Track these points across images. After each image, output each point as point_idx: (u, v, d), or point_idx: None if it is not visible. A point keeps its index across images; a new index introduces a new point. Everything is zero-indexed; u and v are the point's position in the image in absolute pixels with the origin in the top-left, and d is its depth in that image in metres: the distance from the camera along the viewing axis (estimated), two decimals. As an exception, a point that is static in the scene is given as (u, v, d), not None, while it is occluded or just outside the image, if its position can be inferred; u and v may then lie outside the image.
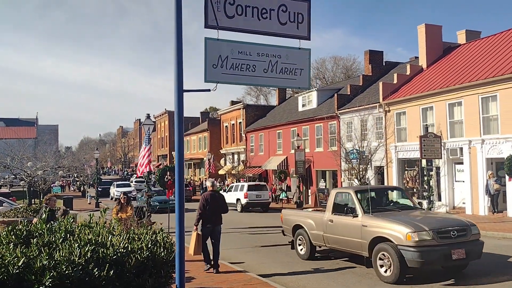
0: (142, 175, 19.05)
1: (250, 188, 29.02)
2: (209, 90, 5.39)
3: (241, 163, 44.89)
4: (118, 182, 50.39)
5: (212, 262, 10.36)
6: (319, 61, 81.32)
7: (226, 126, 51.14)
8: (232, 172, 43.85)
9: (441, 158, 20.54)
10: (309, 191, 34.68)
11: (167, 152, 74.07)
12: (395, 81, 28.57)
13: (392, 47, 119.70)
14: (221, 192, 21.67)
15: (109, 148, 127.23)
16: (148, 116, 17.93)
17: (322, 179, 34.51)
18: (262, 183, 33.28)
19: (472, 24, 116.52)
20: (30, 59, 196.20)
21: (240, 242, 15.79)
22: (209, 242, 10.61)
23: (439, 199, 24.29)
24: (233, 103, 52.62)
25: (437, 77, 25.95)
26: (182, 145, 5.33)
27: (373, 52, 34.26)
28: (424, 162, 24.63)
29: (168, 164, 25.07)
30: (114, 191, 44.39)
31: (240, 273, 10.23)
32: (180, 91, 5.06)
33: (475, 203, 21.96)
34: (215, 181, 11.88)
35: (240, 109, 47.19)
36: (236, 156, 47.78)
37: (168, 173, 13.86)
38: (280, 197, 33.71)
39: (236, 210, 28.95)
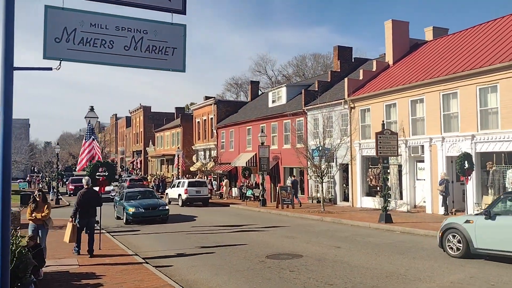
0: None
1: (190, 184, 30.99)
2: (50, 69, 4.61)
3: (212, 160, 44.03)
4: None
5: (88, 249, 12.04)
6: (299, 58, 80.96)
7: (198, 122, 50.22)
8: (202, 169, 42.97)
9: (397, 155, 20.05)
10: (277, 188, 33.99)
11: (142, 148, 72.75)
12: (361, 77, 28.07)
13: (376, 46, 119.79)
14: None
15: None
16: (92, 109, 16.95)
17: (289, 177, 33.86)
18: (202, 180, 34.88)
19: (441, 21, 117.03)
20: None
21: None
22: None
23: (401, 198, 23.88)
24: (206, 98, 51.68)
25: (401, 73, 25.51)
26: (9, 134, 4.53)
27: (342, 48, 33.71)
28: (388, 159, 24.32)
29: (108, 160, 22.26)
30: None
31: (115, 257, 12.05)
32: (8, 68, 4.27)
33: (435, 202, 21.54)
34: (90, 180, 13.10)
35: (211, 104, 46.32)
36: (207, 153, 46.92)
37: (100, 169, 13.00)
38: (247, 195, 32.97)
39: (178, 204, 31.07)
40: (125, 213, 21.10)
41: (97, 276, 9.63)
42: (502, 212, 10.74)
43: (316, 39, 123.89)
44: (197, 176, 41.93)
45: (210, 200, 32.72)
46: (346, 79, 28.02)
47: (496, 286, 8.67)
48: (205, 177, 39.88)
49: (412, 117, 23.17)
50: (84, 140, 17.09)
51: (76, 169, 16.62)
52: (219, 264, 11.25)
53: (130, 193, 23.38)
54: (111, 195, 34.20)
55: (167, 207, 21.77)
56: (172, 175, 54.71)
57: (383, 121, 20.75)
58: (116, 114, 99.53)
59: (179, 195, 31.10)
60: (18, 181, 57.60)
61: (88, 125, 16.49)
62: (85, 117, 16.71)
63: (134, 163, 74.86)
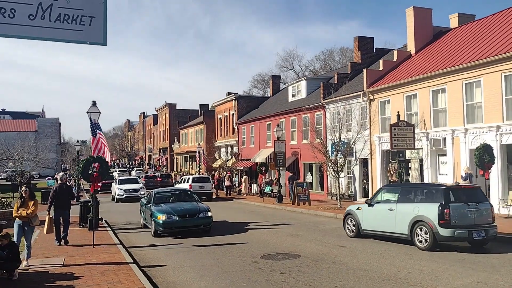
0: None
1: (194, 180, 33.09)
2: None
3: (233, 156, 43.52)
4: (122, 177, 39.07)
5: (62, 238, 13.25)
6: (326, 52, 79.34)
7: (220, 118, 49.80)
8: (223, 165, 42.54)
9: (413, 148, 18.85)
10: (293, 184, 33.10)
11: (167, 145, 73.12)
12: (380, 68, 26.82)
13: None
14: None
15: (118, 142, 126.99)
16: (94, 104, 16.55)
17: (309, 172, 32.97)
18: (206, 176, 36.43)
19: (467, 8, 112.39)
20: (46, 55, 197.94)
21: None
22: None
23: (422, 194, 22.58)
24: (228, 94, 51.17)
25: (423, 63, 24.16)
26: None
27: (363, 38, 32.41)
28: (408, 153, 23.09)
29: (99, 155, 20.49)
30: (116, 189, 33.81)
31: (106, 255, 11.72)
32: None
33: (458, 198, 20.20)
34: (64, 175, 14.36)
35: (232, 100, 45.76)
36: (229, 149, 46.45)
37: (93, 164, 12.56)
38: (265, 191, 32.20)
39: None
40: (153, 222, 15.41)
41: (75, 276, 9.15)
42: (379, 201, 13.31)
43: (346, 34, 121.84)
44: (216, 172, 41.49)
45: (228, 196, 32.75)
46: (365, 70, 26.84)
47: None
48: (225, 173, 39.34)
49: (434, 108, 21.86)
50: (91, 137, 16.75)
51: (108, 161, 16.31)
52: (209, 264, 10.60)
53: (160, 194, 17.82)
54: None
55: (209, 213, 15.73)
56: (196, 171, 54.63)
57: (398, 112, 19.55)
58: (144, 112, 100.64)
59: None
60: (47, 178, 58.76)
61: (91, 121, 16.08)
62: (87, 112, 16.32)
63: (160, 160, 75.36)
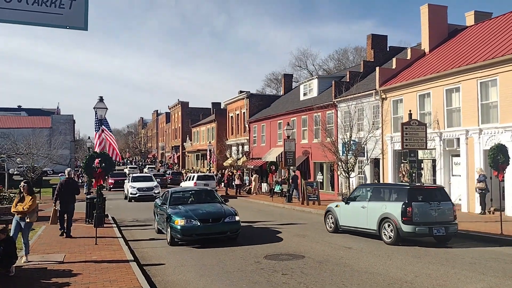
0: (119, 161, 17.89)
1: (199, 178, 33.98)
2: None
3: (244, 155, 43.29)
4: (135, 174, 37.31)
5: (66, 230, 13.74)
6: (340, 51, 78.62)
7: (232, 116, 49.60)
8: (234, 164, 42.33)
9: (425, 148, 18.33)
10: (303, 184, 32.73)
11: (179, 143, 73.22)
12: (393, 66, 26.30)
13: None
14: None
15: (131, 139, 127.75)
16: (101, 99, 16.46)
17: (319, 172, 32.57)
18: (210, 174, 38.04)
19: (484, 5, 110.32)
20: (62, 52, 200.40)
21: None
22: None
23: (435, 195, 22.04)
24: (240, 92, 50.93)
25: (437, 61, 23.60)
26: None
27: (377, 36, 31.84)
28: (420, 153, 22.59)
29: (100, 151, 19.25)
30: (128, 187, 31.69)
31: (107, 252, 11.58)
32: None
33: (471, 200, 19.69)
34: (71, 171, 15.06)
35: (244, 98, 45.52)
36: (240, 148, 46.23)
37: (97, 160, 12.41)
38: (275, 190, 31.89)
39: None
40: (169, 227, 12.98)
41: (72, 274, 8.98)
42: (354, 199, 14.47)
43: (360, 33, 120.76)
44: (227, 171, 41.32)
45: (237, 195, 32.85)
46: (377, 69, 26.35)
47: None
48: (235, 171, 39.11)
49: (447, 108, 21.32)
50: (94, 132, 16.67)
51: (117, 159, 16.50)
52: (210, 264, 10.36)
53: (178, 193, 15.49)
54: (154, 193, 30.38)
55: (237, 218, 13.28)
56: (207, 170, 54.54)
57: (410, 110, 19.06)
58: (157, 110, 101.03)
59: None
60: (60, 174, 59.23)
61: (96, 116, 16.01)
62: (94, 108, 16.24)
63: (172, 158, 75.51)
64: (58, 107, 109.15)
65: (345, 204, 14.54)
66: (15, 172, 37.18)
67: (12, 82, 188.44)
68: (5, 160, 20.40)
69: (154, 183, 32.69)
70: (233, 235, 13.10)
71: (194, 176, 35.16)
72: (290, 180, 27.17)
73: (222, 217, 13.04)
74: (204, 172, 52.72)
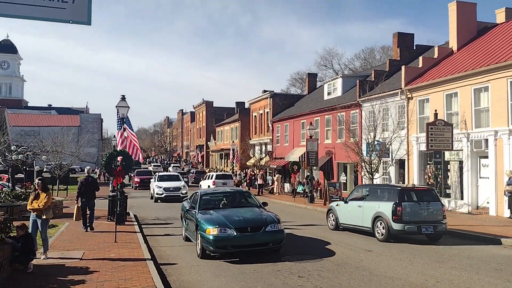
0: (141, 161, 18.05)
1: (217, 177, 34.68)
2: None
3: (267, 154, 43.16)
4: (161, 173, 34.91)
5: (88, 225, 14.63)
6: (367, 50, 77.49)
7: (255, 116, 49.54)
8: (257, 163, 42.26)
9: (451, 149, 17.80)
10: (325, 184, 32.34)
11: (204, 142, 73.65)
12: (420, 65, 25.68)
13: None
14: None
15: (157, 138, 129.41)
16: (123, 98, 16.61)
17: (343, 173, 32.13)
18: (228, 173, 38.94)
19: None
20: (91, 52, 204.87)
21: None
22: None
23: (461, 198, 21.42)
24: (264, 92, 50.81)
25: (465, 59, 22.91)
26: None
27: (403, 34, 31.18)
28: (447, 154, 22.02)
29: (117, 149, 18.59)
30: (154, 186, 29.58)
31: (126, 250, 11.63)
32: None
33: (500, 203, 19.01)
34: (90, 169, 15.63)
35: (267, 98, 45.38)
36: (263, 147, 46.13)
37: (117, 158, 12.47)
38: (297, 191, 31.63)
39: None
40: (199, 237, 11.00)
41: (88, 271, 9.03)
42: (352, 199, 15.31)
43: (387, 32, 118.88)
44: (249, 170, 41.29)
45: (259, 195, 32.40)
46: (403, 68, 25.80)
47: None
48: (258, 171, 39.03)
49: (475, 108, 20.66)
50: (117, 131, 16.82)
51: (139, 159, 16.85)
52: (226, 264, 10.27)
53: (208, 196, 13.40)
54: (182, 194, 28.63)
55: (280, 226, 11.07)
56: (230, 169, 54.66)
57: (435, 110, 18.53)
58: (182, 110, 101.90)
59: (208, 186, 33.58)
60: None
61: (118, 114, 16.14)
62: (116, 106, 16.38)
63: (196, 157, 76.02)
64: (87, 106, 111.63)
65: (345, 203, 15.44)
66: (44, 170, 37.99)
67: (43, 81, 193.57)
68: (31, 158, 20.86)
69: (182, 183, 30.43)
70: (276, 246, 10.94)
71: (212, 175, 35.77)
72: (305, 180, 27.04)
73: (262, 225, 10.87)
74: (227, 172, 52.96)
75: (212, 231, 10.60)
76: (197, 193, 13.43)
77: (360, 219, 14.43)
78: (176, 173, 36.77)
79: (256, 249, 10.84)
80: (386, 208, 13.27)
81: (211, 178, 34.59)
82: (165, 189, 28.96)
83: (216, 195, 13.45)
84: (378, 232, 13.49)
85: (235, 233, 10.60)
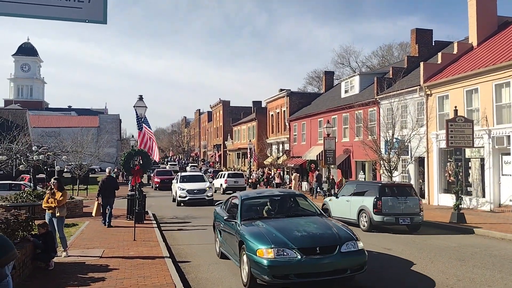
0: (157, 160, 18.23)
1: (229, 175, 36.08)
2: None
3: (284, 153, 43.08)
4: (184, 173, 31.11)
5: (108, 221, 15.55)
6: (385, 48, 76.65)
7: (272, 114, 49.50)
8: (274, 162, 42.23)
9: (472, 146, 17.43)
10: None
11: (221, 142, 73.90)
12: (439, 61, 25.29)
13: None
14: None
15: (175, 138, 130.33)
16: (141, 98, 16.73)
17: (361, 171, 31.86)
18: (240, 172, 40.64)
19: None
20: (110, 53, 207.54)
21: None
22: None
23: (483, 195, 21.04)
24: (281, 90, 50.72)
25: (485, 55, 22.49)
26: None
27: (421, 30, 30.77)
28: (468, 152, 21.63)
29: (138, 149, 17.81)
30: (176, 188, 26.52)
31: (144, 248, 11.79)
32: None
33: (523, 201, 18.61)
34: (111, 169, 16.83)
35: (284, 96, 45.28)
36: (280, 146, 46.05)
37: (135, 157, 12.60)
38: (317, 190, 31.40)
39: (220, 192, 34.81)
40: (245, 259, 8.14)
41: (108, 269, 9.13)
42: (342, 194, 17.11)
43: (405, 29, 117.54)
44: (267, 169, 41.31)
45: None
46: (422, 64, 25.46)
47: None
48: (275, 170, 39.01)
49: (497, 104, 20.26)
50: (138, 131, 16.94)
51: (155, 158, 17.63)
52: (245, 262, 10.24)
53: (252, 200, 10.21)
54: (207, 196, 25.84)
55: (359, 244, 7.98)
56: (248, 168, 54.72)
57: (455, 106, 18.21)
58: (199, 110, 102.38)
59: (221, 184, 35.70)
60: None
61: (137, 115, 16.27)
62: (134, 106, 16.52)
63: (214, 156, 76.32)
64: (105, 107, 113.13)
65: (336, 198, 17.39)
66: (64, 170, 38.60)
67: (64, 83, 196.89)
68: (52, 158, 21.27)
69: (207, 184, 27.28)
70: (355, 274, 7.83)
71: (225, 173, 37.18)
72: (314, 179, 27.06)
73: (336, 244, 7.72)
74: (245, 171, 53.02)
75: (266, 253, 7.48)
76: (236, 197, 10.29)
77: (348, 212, 16.14)
78: (201, 173, 33.80)
79: (329, 278, 7.63)
80: (368, 202, 14.91)
81: (223, 177, 35.96)
82: (189, 191, 25.87)
83: (262, 200, 10.27)
84: (361, 224, 15.16)
85: (300, 256, 7.41)
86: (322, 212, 9.80)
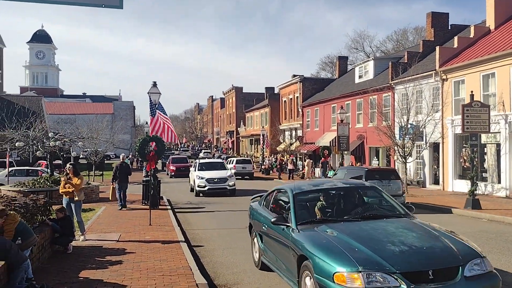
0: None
1: (238, 162, 37.32)
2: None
3: (297, 140, 43.01)
4: (202, 161, 28.31)
5: (123, 203, 16.64)
6: (399, 32, 75.44)
7: (285, 101, 49.32)
8: (287, 149, 42.21)
9: (488, 131, 17.21)
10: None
11: (234, 128, 74.00)
12: (455, 45, 24.87)
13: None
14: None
15: (188, 125, 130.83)
16: (155, 84, 16.81)
17: (375, 157, 31.71)
18: (247, 158, 41.76)
19: None
20: (123, 40, 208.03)
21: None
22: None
23: (499, 181, 20.83)
24: (294, 76, 50.41)
25: (503, 38, 22.04)
26: None
27: (437, 14, 30.20)
28: (483, 137, 21.38)
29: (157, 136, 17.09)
30: (195, 177, 23.99)
31: (160, 232, 11.92)
32: None
33: (540, 187, 18.38)
34: (125, 155, 18.20)
35: (297, 82, 45.04)
36: (293, 132, 45.96)
37: (150, 143, 12.70)
38: (328, 175, 31.40)
39: None
40: (313, 283, 5.38)
41: (126, 252, 9.30)
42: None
43: (421, 13, 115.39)
44: (279, 155, 41.36)
45: (292, 179, 32.55)
46: (437, 48, 25.07)
47: None
48: (288, 156, 39.02)
49: (514, 88, 19.91)
50: (150, 117, 17.05)
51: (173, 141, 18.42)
52: (259, 247, 10.33)
53: (307, 195, 7.40)
54: (229, 185, 23.31)
55: (488, 264, 5.46)
56: (260, 155, 54.81)
57: (471, 91, 17.94)
58: (212, 96, 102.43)
59: (230, 169, 36.26)
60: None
61: (151, 101, 16.36)
62: (148, 93, 16.61)
63: (227, 143, 76.54)
64: (119, 94, 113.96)
65: None
66: (80, 156, 39.14)
67: (78, 70, 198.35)
68: (68, 144, 21.56)
69: (228, 172, 24.54)
70: None
71: (233, 160, 38.34)
72: (320, 165, 27.23)
73: (457, 264, 5.26)
74: (257, 157, 53.11)
75: (350, 280, 4.96)
76: (284, 190, 7.71)
77: None
78: (221, 160, 31.01)
79: None
80: None
81: (232, 163, 36.49)
82: (208, 180, 23.23)
83: (321, 194, 7.27)
84: None
85: (406, 286, 4.88)
86: (408, 212, 6.93)
